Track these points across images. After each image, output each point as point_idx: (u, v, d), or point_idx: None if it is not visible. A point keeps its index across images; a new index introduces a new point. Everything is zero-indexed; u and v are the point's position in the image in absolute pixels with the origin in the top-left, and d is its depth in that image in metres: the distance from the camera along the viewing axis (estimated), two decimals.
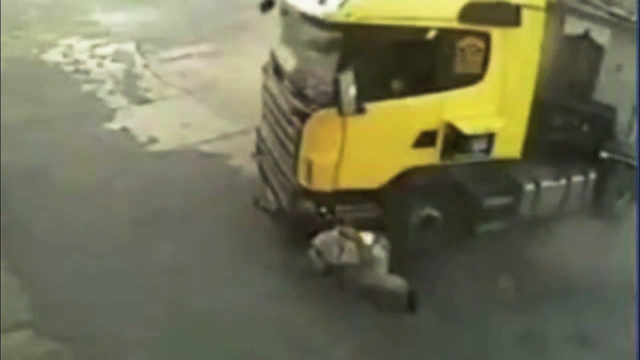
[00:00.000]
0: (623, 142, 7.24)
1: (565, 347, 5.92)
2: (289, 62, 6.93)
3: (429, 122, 6.29)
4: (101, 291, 6.13)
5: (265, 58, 7.64)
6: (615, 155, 7.21)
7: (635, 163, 7.16)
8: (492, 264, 6.81)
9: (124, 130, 9.54)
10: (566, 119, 7.19)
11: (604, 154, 7.19)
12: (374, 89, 5.92)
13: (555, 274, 6.63)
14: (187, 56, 12.56)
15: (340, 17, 5.79)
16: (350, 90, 5.69)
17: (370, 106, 5.93)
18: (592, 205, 7.44)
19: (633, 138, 7.20)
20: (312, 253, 5.98)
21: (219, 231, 7.21)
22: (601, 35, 6.92)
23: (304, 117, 6.22)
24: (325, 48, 6.36)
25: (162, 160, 8.72)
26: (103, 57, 12.47)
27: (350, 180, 6.31)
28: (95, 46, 12.99)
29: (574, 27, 6.87)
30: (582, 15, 6.87)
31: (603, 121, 7.17)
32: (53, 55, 12.42)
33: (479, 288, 6.50)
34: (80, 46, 12.94)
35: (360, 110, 5.85)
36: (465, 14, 6.03)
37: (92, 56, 12.49)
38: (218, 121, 9.85)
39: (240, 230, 7.25)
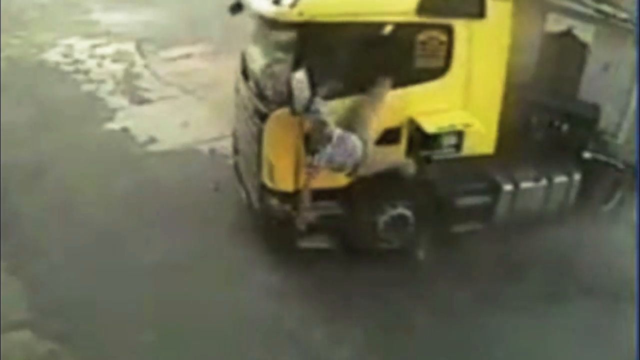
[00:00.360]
0: (609, 143, 6.96)
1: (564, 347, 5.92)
2: (255, 62, 6.87)
3: (392, 118, 6.15)
4: (101, 291, 6.14)
5: None
6: (598, 156, 6.99)
7: (619, 165, 6.97)
8: (490, 263, 6.80)
9: (124, 130, 9.54)
10: (545, 117, 6.93)
11: (586, 155, 6.97)
12: (331, 87, 5.82)
13: (553, 273, 6.64)
14: (187, 56, 12.55)
15: (292, 16, 5.71)
16: (301, 89, 5.57)
17: (329, 104, 5.81)
18: (577, 207, 7.21)
19: (621, 140, 6.90)
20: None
21: (219, 231, 7.21)
22: (585, 33, 6.72)
23: (264, 117, 6.18)
24: (283, 48, 6.28)
25: (162, 160, 8.71)
26: (103, 57, 12.45)
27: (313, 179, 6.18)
28: (95, 46, 12.98)
29: (558, 24, 6.69)
30: (565, 12, 6.68)
31: (585, 120, 6.91)
32: (53, 55, 12.40)
33: (479, 287, 6.50)
34: (80, 46, 12.92)
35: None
36: (424, 7, 5.88)
37: (92, 56, 12.48)
38: (218, 121, 9.83)
39: (240, 230, 7.25)
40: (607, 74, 6.69)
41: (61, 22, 14.32)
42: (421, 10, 5.88)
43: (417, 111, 6.14)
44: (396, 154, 6.31)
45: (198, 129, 9.56)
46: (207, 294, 6.23)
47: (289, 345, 5.78)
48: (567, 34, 6.76)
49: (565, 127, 6.90)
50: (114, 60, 12.33)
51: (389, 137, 6.21)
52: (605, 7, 6.52)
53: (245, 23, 6.85)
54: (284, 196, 6.27)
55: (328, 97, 5.83)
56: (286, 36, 6.16)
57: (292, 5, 5.70)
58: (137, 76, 11.66)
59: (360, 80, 5.98)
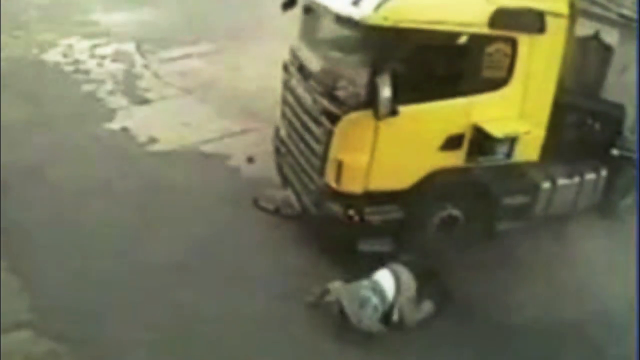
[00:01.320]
0: (629, 139, 7.35)
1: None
2: (314, 61, 6.91)
3: (457, 125, 6.37)
4: (101, 291, 6.13)
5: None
6: (625, 153, 7.32)
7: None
8: (502, 262, 6.87)
9: (124, 130, 9.53)
10: (579, 118, 7.30)
11: (615, 152, 7.32)
12: (406, 92, 5.92)
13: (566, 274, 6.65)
14: (187, 56, 12.56)
15: (377, 20, 5.79)
16: (386, 94, 5.73)
17: (403, 109, 5.95)
18: (600, 203, 7.56)
19: None
20: (330, 298, 5.97)
21: (219, 231, 7.20)
22: (610, 36, 7.04)
23: (334, 118, 6.22)
24: (356, 49, 6.38)
25: (162, 160, 8.71)
26: (103, 57, 12.47)
27: (380, 181, 6.32)
28: (95, 46, 13.00)
29: (583, 28, 6.95)
30: (592, 17, 6.99)
31: (613, 119, 7.32)
32: (53, 55, 12.41)
33: (491, 287, 6.53)
34: (80, 46, 12.94)
35: (394, 112, 5.87)
36: (495, 20, 6.10)
37: (92, 56, 12.49)
38: (218, 121, 9.85)
39: (240, 230, 7.25)
40: (626, 74, 7.03)
41: (61, 22, 14.35)
42: (492, 23, 6.11)
43: (478, 119, 6.36)
44: (458, 159, 6.49)
45: (198, 129, 9.56)
46: (207, 295, 6.21)
47: (297, 346, 5.79)
48: (594, 37, 7.10)
49: (596, 126, 7.29)
50: (114, 60, 12.34)
51: (452, 142, 6.40)
52: (627, 11, 6.88)
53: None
54: (348, 198, 6.34)
55: (404, 101, 5.94)
56: (356, 37, 6.26)
57: (376, 9, 5.80)
58: (137, 76, 11.67)
59: (433, 86, 6.15)
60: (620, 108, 7.26)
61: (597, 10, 7.03)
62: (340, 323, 5.83)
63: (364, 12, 5.86)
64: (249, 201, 7.67)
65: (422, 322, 6.04)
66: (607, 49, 7.14)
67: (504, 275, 6.72)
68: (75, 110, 10.03)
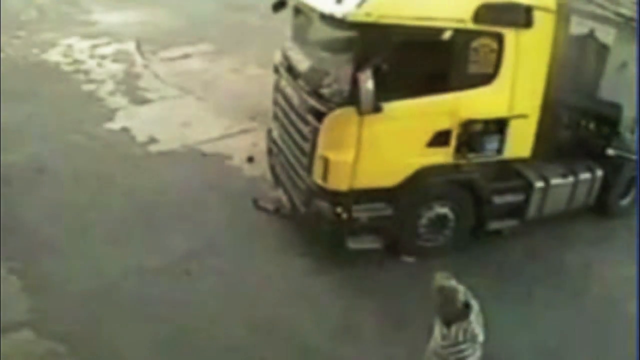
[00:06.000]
0: (626, 139, 7.30)
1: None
2: (302, 61, 6.93)
3: (444, 121, 6.34)
4: (101, 291, 6.13)
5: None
6: (622, 153, 7.28)
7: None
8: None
9: (124, 130, 9.53)
10: (574, 117, 7.28)
11: (610, 151, 7.28)
12: (390, 88, 5.90)
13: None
14: (187, 56, 12.58)
15: (359, 16, 5.79)
16: (368, 89, 5.70)
17: (387, 105, 5.93)
18: (597, 203, 7.55)
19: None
20: None
21: (219, 231, 7.20)
22: (605, 35, 7.00)
23: (320, 115, 6.22)
24: (342, 47, 6.37)
25: (162, 160, 8.72)
26: (103, 57, 12.48)
27: (367, 179, 6.31)
28: (95, 46, 13.00)
29: (579, 26, 6.96)
30: (588, 15, 6.96)
31: (609, 119, 7.28)
32: (53, 55, 12.42)
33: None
34: (80, 46, 12.95)
35: (377, 108, 5.85)
36: (479, 15, 6.08)
37: (92, 56, 12.50)
38: (218, 121, 9.86)
39: (240, 230, 7.25)
40: (624, 73, 6.99)
41: (61, 22, 14.36)
42: (477, 18, 6.09)
43: (465, 115, 6.36)
44: (446, 156, 6.47)
45: (198, 129, 9.56)
46: (207, 295, 6.22)
47: (297, 346, 5.79)
48: (589, 36, 7.07)
49: (591, 125, 7.31)
50: (114, 60, 12.35)
51: (439, 139, 6.38)
52: (625, 10, 6.83)
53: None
54: (336, 196, 6.32)
55: (389, 98, 5.92)
56: (341, 35, 6.23)
57: (359, 6, 5.79)
58: (137, 76, 11.67)
59: (419, 82, 6.11)
60: (616, 107, 7.21)
61: (593, 8, 6.98)
62: None
63: (347, 9, 5.84)
64: (248, 201, 7.67)
65: None
66: (603, 48, 7.10)
67: None
68: (75, 110, 10.04)
